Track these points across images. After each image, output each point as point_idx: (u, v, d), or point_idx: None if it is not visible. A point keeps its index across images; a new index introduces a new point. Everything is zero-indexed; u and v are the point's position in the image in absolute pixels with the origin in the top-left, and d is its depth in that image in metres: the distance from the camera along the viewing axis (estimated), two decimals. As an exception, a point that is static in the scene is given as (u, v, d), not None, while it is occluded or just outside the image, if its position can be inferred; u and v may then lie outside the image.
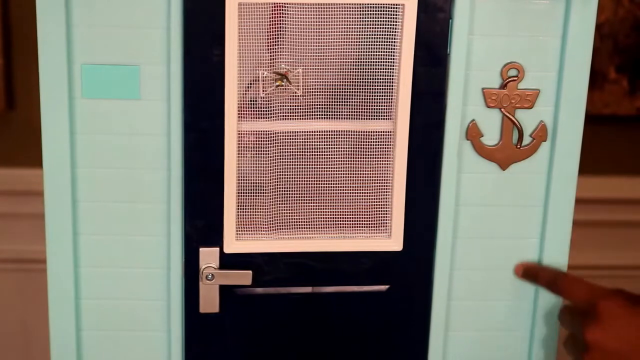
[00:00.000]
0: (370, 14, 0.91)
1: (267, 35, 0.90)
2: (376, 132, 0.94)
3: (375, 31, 0.91)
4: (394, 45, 0.92)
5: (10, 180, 1.65)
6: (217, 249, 0.96)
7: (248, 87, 0.92)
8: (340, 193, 0.96)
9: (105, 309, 0.97)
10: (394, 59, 0.92)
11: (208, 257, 0.96)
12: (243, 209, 0.95)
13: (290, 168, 0.94)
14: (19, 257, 1.69)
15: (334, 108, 0.93)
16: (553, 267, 0.99)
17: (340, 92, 0.93)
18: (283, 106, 0.93)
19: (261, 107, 0.92)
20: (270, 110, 0.93)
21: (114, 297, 0.97)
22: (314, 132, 0.94)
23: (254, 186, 0.95)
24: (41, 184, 0.93)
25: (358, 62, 0.92)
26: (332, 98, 0.93)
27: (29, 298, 1.72)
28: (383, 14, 0.91)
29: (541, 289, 1.00)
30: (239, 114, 0.92)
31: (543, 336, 1.02)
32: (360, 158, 0.95)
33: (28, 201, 1.57)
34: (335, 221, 0.96)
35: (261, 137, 0.93)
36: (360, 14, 0.91)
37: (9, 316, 1.75)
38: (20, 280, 1.72)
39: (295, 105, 0.93)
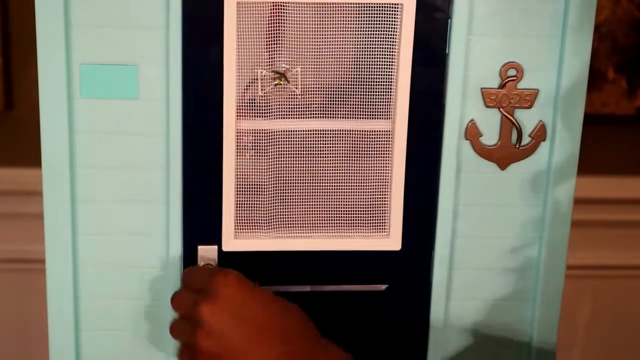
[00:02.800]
0: (369, 14, 0.91)
1: (266, 35, 0.90)
2: (375, 131, 0.94)
3: (373, 31, 0.91)
4: (393, 45, 0.92)
5: (9, 180, 1.65)
6: (216, 247, 0.96)
7: (247, 86, 0.92)
8: (339, 192, 0.96)
9: (104, 308, 0.97)
10: (392, 58, 0.92)
11: (206, 255, 0.96)
12: (241, 207, 0.95)
13: (288, 167, 0.94)
14: (17, 257, 1.69)
15: (333, 107, 0.93)
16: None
17: (338, 91, 0.93)
18: (281, 105, 0.93)
19: (260, 106, 0.92)
20: (269, 109, 0.93)
21: (113, 297, 0.97)
22: (313, 131, 0.94)
23: (252, 184, 0.95)
24: (40, 184, 0.93)
25: (356, 61, 0.92)
26: (330, 97, 0.93)
27: (28, 298, 1.72)
28: (381, 14, 0.91)
29: (540, 290, 1.00)
30: (237, 113, 0.92)
31: (542, 339, 1.02)
32: (359, 157, 0.95)
33: (27, 201, 1.57)
34: (334, 220, 0.96)
35: (259, 136, 0.93)
36: (358, 14, 0.91)
37: (8, 316, 1.75)
38: (19, 280, 1.71)
39: (294, 104, 0.93)
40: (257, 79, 0.92)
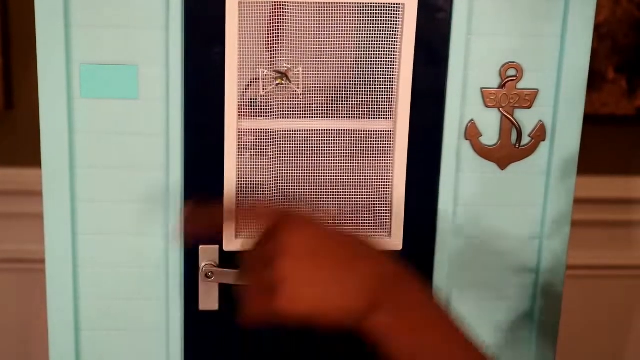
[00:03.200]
0: (371, 14, 0.91)
1: (267, 34, 0.90)
2: (376, 131, 0.94)
3: (375, 31, 0.91)
4: (394, 45, 0.92)
5: (9, 180, 1.65)
6: (217, 246, 0.96)
7: (248, 86, 0.92)
8: (340, 192, 0.96)
9: (104, 308, 0.97)
10: (394, 58, 0.92)
11: (208, 254, 0.96)
12: (242, 207, 0.95)
13: (290, 166, 0.94)
14: (17, 256, 1.68)
15: (334, 107, 0.93)
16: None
17: (340, 91, 0.93)
18: (283, 105, 0.93)
19: (261, 106, 0.92)
20: (270, 109, 0.93)
21: (113, 297, 0.97)
22: (314, 130, 0.94)
23: (253, 184, 0.95)
24: (40, 184, 0.93)
25: (358, 61, 0.92)
26: (332, 97, 0.93)
27: (28, 298, 1.72)
28: (383, 14, 0.91)
29: (540, 289, 1.00)
30: (238, 112, 0.92)
31: (543, 338, 1.02)
32: (360, 157, 0.95)
33: (27, 201, 1.57)
34: (335, 220, 0.96)
35: (261, 136, 0.93)
36: (360, 14, 0.91)
37: (8, 316, 1.75)
38: (19, 280, 1.71)
39: (295, 104, 0.93)
40: (258, 79, 0.92)
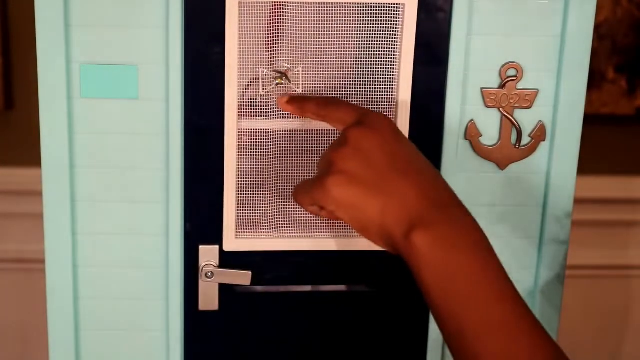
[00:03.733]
0: (371, 14, 0.91)
1: (267, 34, 0.90)
2: (375, 131, 0.94)
3: (375, 31, 0.91)
4: (394, 45, 0.92)
5: (9, 180, 1.65)
6: (217, 246, 0.96)
7: (248, 86, 0.92)
8: (340, 192, 0.96)
9: (104, 308, 0.97)
10: (394, 58, 0.92)
11: (208, 254, 0.96)
12: (242, 207, 0.95)
13: (290, 166, 0.94)
14: (17, 257, 1.69)
15: (334, 107, 0.93)
16: (316, 96, 0.91)
17: (340, 91, 0.93)
18: (282, 105, 0.93)
19: (261, 106, 0.92)
20: (270, 109, 0.93)
21: (113, 297, 0.97)
22: (314, 130, 0.94)
23: (253, 184, 0.95)
24: (40, 184, 0.93)
25: (358, 61, 0.92)
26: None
27: (28, 298, 1.72)
28: (383, 14, 0.91)
29: (540, 289, 1.00)
30: (238, 112, 0.92)
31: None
32: (360, 157, 0.95)
33: (27, 201, 1.57)
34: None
35: (261, 136, 0.93)
36: (360, 14, 0.91)
37: (8, 316, 1.75)
38: (18, 280, 1.71)
39: (295, 104, 0.93)
40: (258, 79, 0.92)
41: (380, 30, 0.91)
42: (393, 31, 0.91)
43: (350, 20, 0.91)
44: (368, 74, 0.92)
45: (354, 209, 0.77)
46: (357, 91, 0.93)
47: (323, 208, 0.80)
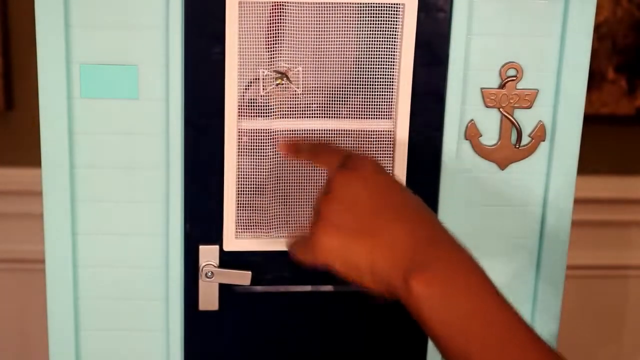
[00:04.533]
0: (371, 14, 0.91)
1: (267, 34, 0.90)
2: (376, 131, 0.94)
3: (375, 31, 0.91)
4: (394, 45, 0.92)
5: (9, 180, 1.65)
6: (217, 246, 0.96)
7: (248, 86, 0.92)
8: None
9: (104, 308, 0.97)
10: (394, 58, 0.92)
11: (208, 254, 0.96)
12: (242, 207, 0.95)
13: (290, 166, 0.94)
14: (17, 257, 1.69)
15: (334, 107, 0.93)
16: (314, 141, 0.92)
17: (340, 91, 0.93)
18: (283, 105, 0.93)
19: (261, 106, 0.92)
20: (270, 109, 0.93)
21: (113, 297, 0.97)
22: (314, 130, 0.94)
23: (253, 184, 0.95)
24: (40, 184, 0.93)
25: (358, 61, 0.92)
26: (332, 97, 0.93)
27: (28, 298, 1.72)
28: (383, 14, 0.91)
29: (540, 288, 1.00)
30: (238, 112, 0.92)
31: (543, 336, 1.01)
32: (360, 157, 0.95)
33: (27, 201, 1.57)
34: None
35: (261, 136, 0.93)
36: (360, 14, 0.91)
37: (8, 316, 1.75)
38: (18, 280, 1.71)
39: (295, 104, 0.93)
40: (258, 79, 0.92)
41: (380, 30, 0.91)
42: (393, 31, 0.91)
43: (350, 21, 0.91)
44: (368, 74, 0.92)
45: (344, 257, 0.76)
46: (357, 91, 0.93)
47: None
